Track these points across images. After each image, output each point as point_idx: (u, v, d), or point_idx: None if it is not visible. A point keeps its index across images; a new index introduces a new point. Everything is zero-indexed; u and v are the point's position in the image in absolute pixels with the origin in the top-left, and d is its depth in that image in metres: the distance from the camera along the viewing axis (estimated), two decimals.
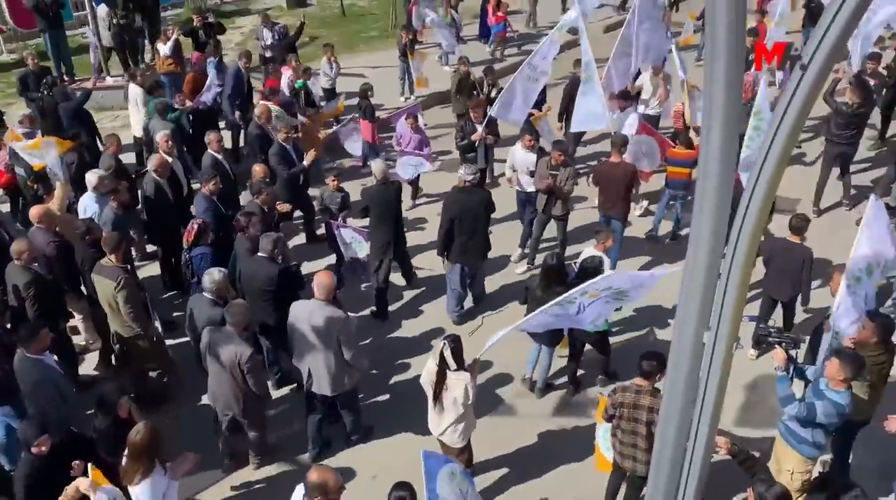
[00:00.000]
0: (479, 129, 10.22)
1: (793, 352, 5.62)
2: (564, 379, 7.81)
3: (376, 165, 8.69)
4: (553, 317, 5.72)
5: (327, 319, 6.24)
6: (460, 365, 5.71)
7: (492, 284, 9.30)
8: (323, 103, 12.83)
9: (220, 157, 9.32)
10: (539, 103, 11.31)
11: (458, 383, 5.72)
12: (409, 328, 8.76)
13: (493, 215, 8.64)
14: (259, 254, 7.13)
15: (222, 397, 6.35)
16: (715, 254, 2.56)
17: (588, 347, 7.62)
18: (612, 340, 7.88)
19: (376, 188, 8.46)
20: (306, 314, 6.31)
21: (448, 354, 5.66)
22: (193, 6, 18.28)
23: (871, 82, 10.65)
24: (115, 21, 13.89)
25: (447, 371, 5.72)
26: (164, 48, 13.19)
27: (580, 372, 7.77)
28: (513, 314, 8.05)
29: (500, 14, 16.37)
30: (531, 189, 9.44)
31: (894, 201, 10.01)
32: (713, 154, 2.35)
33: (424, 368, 5.97)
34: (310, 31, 18.32)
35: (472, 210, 8.17)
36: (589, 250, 7.69)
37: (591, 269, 6.89)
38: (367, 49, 17.38)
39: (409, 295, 9.29)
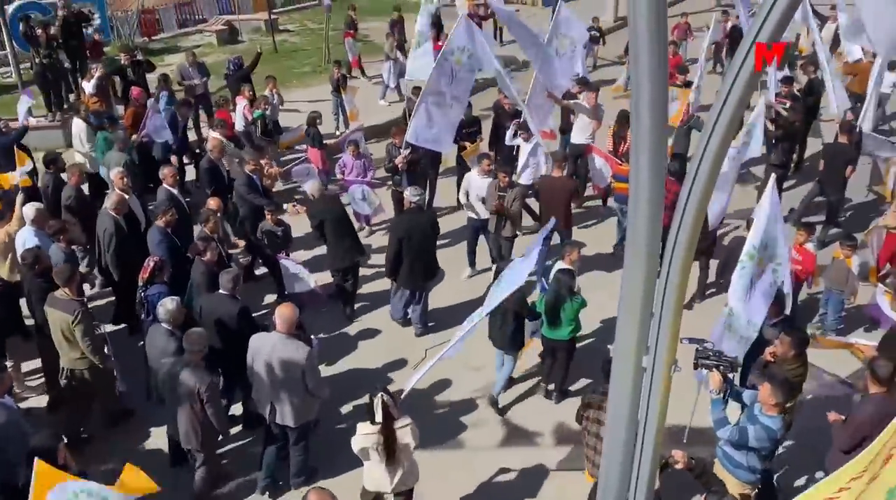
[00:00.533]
0: (402, 153, 10.35)
1: (731, 375, 5.71)
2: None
3: (311, 185, 9.02)
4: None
5: (291, 352, 6.18)
6: (399, 412, 5.60)
7: (440, 307, 9.38)
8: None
9: (174, 191, 9.22)
10: (473, 134, 11.50)
11: (404, 430, 5.57)
12: (368, 355, 8.76)
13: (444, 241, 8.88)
14: (220, 291, 7.09)
15: (182, 430, 6.23)
16: (649, 278, 2.61)
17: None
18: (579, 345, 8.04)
19: (324, 203, 8.87)
20: (268, 348, 6.23)
21: (391, 404, 5.48)
22: (121, 44, 17.94)
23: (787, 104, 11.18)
24: (38, 61, 13.52)
25: (394, 425, 5.52)
26: (88, 86, 12.92)
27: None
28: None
29: (438, 44, 16.61)
30: (486, 216, 9.57)
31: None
32: (643, 181, 2.40)
33: (356, 437, 5.62)
34: None
35: (420, 231, 8.32)
36: (558, 263, 7.88)
37: (562, 281, 7.27)
38: (301, 85, 17.36)
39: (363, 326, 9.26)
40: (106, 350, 7.13)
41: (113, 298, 9.01)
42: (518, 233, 9.57)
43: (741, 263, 6.63)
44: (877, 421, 4.95)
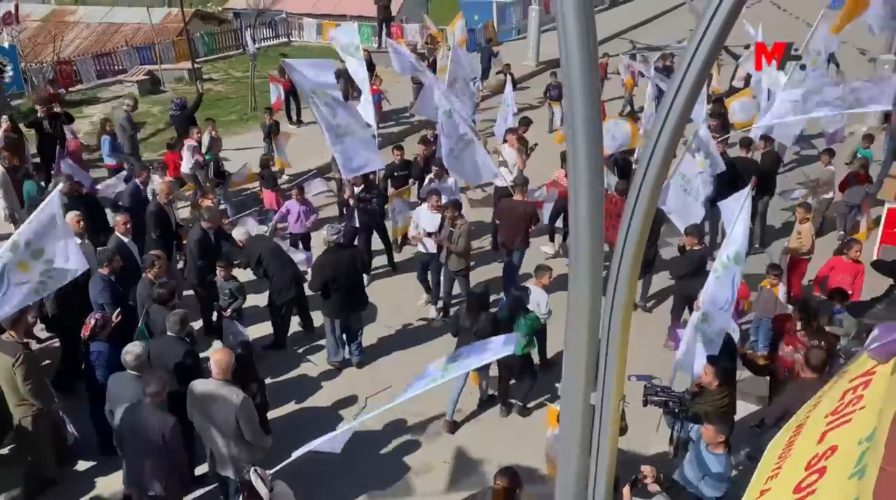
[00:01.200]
0: (348, 189, 10.58)
1: (679, 409, 5.82)
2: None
3: (238, 229, 9.20)
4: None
5: (225, 399, 6.01)
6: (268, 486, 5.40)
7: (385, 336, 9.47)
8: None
9: (126, 239, 8.90)
10: (404, 178, 11.62)
11: None
12: (318, 398, 8.66)
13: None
14: (168, 333, 6.93)
15: (146, 476, 5.98)
16: (594, 314, 2.67)
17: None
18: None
19: (258, 240, 9.15)
20: (205, 394, 6.08)
21: (260, 485, 5.28)
22: (36, 96, 17.39)
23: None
24: None
25: None
26: None
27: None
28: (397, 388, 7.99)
29: (374, 87, 16.78)
30: (434, 250, 9.75)
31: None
32: (583, 225, 2.48)
33: None
34: (165, 117, 17.91)
35: (344, 269, 8.46)
36: (529, 286, 8.22)
37: (515, 298, 7.66)
38: (227, 133, 17.10)
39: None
40: (49, 395, 6.87)
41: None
42: (470, 266, 9.75)
43: (715, 271, 6.78)
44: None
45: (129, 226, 8.98)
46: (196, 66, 20.51)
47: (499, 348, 5.60)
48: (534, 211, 9.94)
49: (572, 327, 2.69)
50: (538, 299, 8.10)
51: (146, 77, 20.55)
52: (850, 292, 8.16)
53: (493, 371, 8.20)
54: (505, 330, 7.42)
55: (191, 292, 9.43)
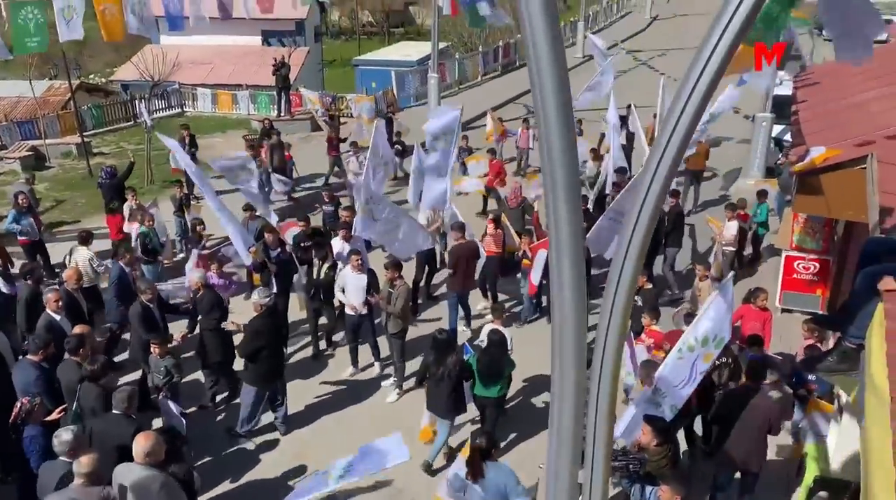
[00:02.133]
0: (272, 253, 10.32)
1: (639, 471, 5.76)
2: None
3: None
4: None
5: (145, 485, 5.61)
6: None
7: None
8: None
9: (57, 318, 8.31)
10: (310, 248, 11.44)
11: None
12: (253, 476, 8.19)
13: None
14: (113, 411, 6.50)
15: None
16: (579, 391, 2.56)
17: None
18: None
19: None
20: (128, 479, 5.65)
21: None
22: None
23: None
24: None
25: None
26: None
27: None
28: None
29: (287, 153, 16.60)
30: (365, 311, 9.54)
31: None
32: (566, 301, 2.39)
33: None
34: (55, 194, 16.99)
35: (274, 334, 8.38)
36: (489, 325, 8.57)
37: (496, 341, 7.81)
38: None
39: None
40: None
41: None
42: (407, 327, 9.55)
43: (679, 351, 6.62)
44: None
45: (60, 304, 8.43)
46: (85, 139, 19.61)
47: (396, 452, 5.56)
48: (477, 249, 10.43)
49: (557, 403, 2.56)
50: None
51: (29, 153, 19.46)
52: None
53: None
54: (486, 373, 7.79)
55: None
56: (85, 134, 20.26)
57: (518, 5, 2.10)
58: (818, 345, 8.38)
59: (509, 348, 8.14)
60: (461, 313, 10.66)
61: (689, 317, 7.99)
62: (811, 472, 7.26)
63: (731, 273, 7.66)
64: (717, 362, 7.53)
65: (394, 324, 9.23)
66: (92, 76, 41.74)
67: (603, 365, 2.51)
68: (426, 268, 11.58)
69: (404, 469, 7.67)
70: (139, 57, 27.29)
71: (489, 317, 9.65)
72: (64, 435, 5.88)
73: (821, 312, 10.93)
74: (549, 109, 2.16)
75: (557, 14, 2.17)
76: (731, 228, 12.02)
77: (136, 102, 23.78)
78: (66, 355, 7.44)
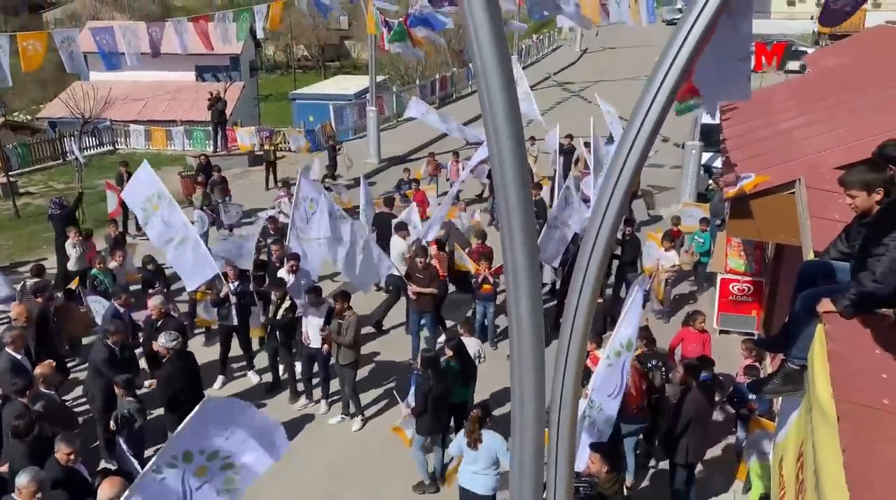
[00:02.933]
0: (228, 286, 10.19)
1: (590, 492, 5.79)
2: None
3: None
4: None
5: None
6: None
7: None
8: None
9: (18, 357, 8.10)
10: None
11: None
12: None
13: None
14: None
15: None
16: (538, 429, 2.57)
17: None
18: None
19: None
20: None
21: None
22: None
23: None
24: None
25: None
26: None
27: None
28: None
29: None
30: (317, 345, 9.57)
31: None
32: (524, 355, 2.40)
33: None
34: None
35: (188, 377, 8.21)
36: (468, 340, 8.96)
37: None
38: (51, 250, 15.74)
39: None
40: None
41: None
42: (359, 359, 9.57)
43: (608, 359, 6.81)
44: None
45: (23, 342, 8.28)
46: (11, 179, 18.90)
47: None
48: (437, 273, 10.64)
49: (515, 441, 2.56)
50: (473, 348, 9.01)
51: None
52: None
53: None
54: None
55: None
56: (10, 173, 19.56)
57: (467, 37, 2.12)
58: (756, 365, 8.69)
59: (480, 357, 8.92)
60: (426, 333, 10.87)
61: None
62: (756, 490, 7.43)
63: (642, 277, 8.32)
64: (649, 365, 8.34)
65: (345, 355, 9.16)
66: (17, 114, 40.39)
67: (563, 392, 2.53)
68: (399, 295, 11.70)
69: None
70: (68, 93, 26.59)
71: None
72: (23, 478, 5.60)
73: (756, 332, 11.30)
74: (503, 144, 2.19)
75: (506, 42, 2.21)
76: (671, 258, 12.27)
77: (66, 139, 23.10)
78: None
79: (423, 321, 10.71)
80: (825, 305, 3.75)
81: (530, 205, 2.29)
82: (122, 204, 15.67)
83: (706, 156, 17.51)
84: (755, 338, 10.19)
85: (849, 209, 4.10)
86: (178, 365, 8.07)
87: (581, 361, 2.62)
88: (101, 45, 13.81)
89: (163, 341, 8.04)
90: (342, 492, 8.38)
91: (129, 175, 15.83)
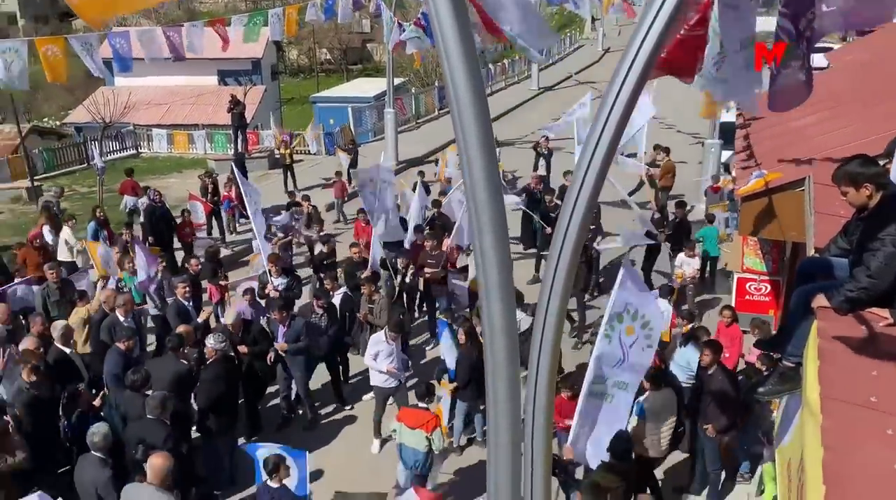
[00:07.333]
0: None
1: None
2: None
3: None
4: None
5: None
6: None
7: None
8: None
9: (68, 351, 8.30)
10: None
11: None
12: None
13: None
14: (148, 416, 6.76)
15: None
16: (515, 428, 2.55)
17: None
18: None
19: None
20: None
21: None
22: None
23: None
24: None
25: None
26: None
27: None
28: None
29: (225, 193, 16.33)
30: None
31: None
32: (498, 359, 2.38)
33: None
34: (3, 239, 16.60)
35: (233, 382, 8.27)
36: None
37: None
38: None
39: None
40: None
41: None
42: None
43: (604, 332, 6.71)
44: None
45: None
46: (36, 183, 19.26)
47: None
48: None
49: (492, 439, 2.54)
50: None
51: None
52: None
53: None
54: None
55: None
56: (36, 178, 19.93)
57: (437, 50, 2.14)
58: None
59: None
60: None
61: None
62: (769, 492, 7.32)
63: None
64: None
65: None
66: (45, 119, 41.14)
67: (535, 413, 2.50)
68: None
69: None
70: (91, 99, 27.03)
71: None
72: (102, 428, 6.29)
73: (774, 331, 11.11)
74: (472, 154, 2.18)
75: (475, 52, 2.21)
76: (693, 264, 12.10)
77: (89, 143, 23.50)
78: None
79: (438, 304, 11.05)
80: (819, 300, 3.67)
81: (502, 207, 2.28)
82: (208, 218, 15.39)
83: (726, 154, 17.27)
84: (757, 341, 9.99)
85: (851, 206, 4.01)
86: (223, 368, 7.89)
87: (556, 354, 2.59)
88: (118, 50, 13.98)
89: (211, 343, 7.83)
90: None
91: (215, 187, 15.83)
